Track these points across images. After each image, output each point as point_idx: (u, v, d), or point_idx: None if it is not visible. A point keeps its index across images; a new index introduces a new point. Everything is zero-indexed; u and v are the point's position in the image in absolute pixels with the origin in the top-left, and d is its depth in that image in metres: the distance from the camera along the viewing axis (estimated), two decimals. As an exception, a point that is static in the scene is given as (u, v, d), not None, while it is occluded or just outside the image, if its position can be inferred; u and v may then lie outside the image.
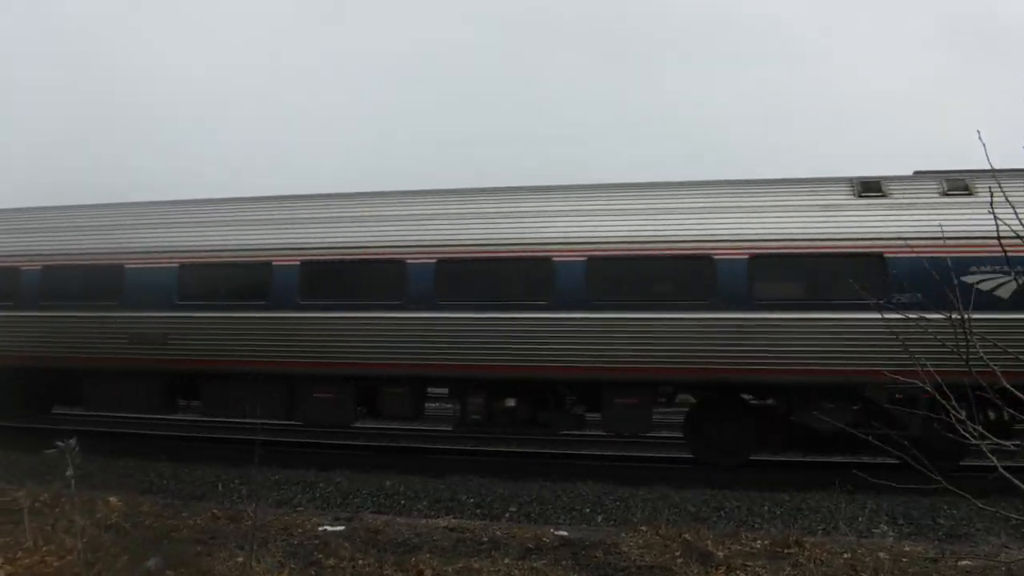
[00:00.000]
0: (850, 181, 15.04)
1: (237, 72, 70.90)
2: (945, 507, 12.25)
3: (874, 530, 10.28)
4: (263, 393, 16.16)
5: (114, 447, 16.30)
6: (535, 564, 8.67)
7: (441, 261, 15.70)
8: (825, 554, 8.94)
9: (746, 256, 14.56)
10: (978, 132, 5.66)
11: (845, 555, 8.88)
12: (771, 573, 8.14)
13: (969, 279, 13.00)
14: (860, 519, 11.19)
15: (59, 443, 7.63)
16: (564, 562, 8.97)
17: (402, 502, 13.47)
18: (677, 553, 9.15)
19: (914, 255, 12.23)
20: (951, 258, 11.37)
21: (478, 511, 13.00)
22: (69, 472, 7.42)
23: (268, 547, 8.58)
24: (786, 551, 9.18)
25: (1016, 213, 5.70)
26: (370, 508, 13.05)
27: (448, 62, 67.99)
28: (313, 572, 8.23)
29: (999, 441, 5.76)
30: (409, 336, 15.64)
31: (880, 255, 14.07)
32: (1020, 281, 12.24)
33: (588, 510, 12.89)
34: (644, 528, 10.31)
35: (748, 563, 8.58)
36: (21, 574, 7.68)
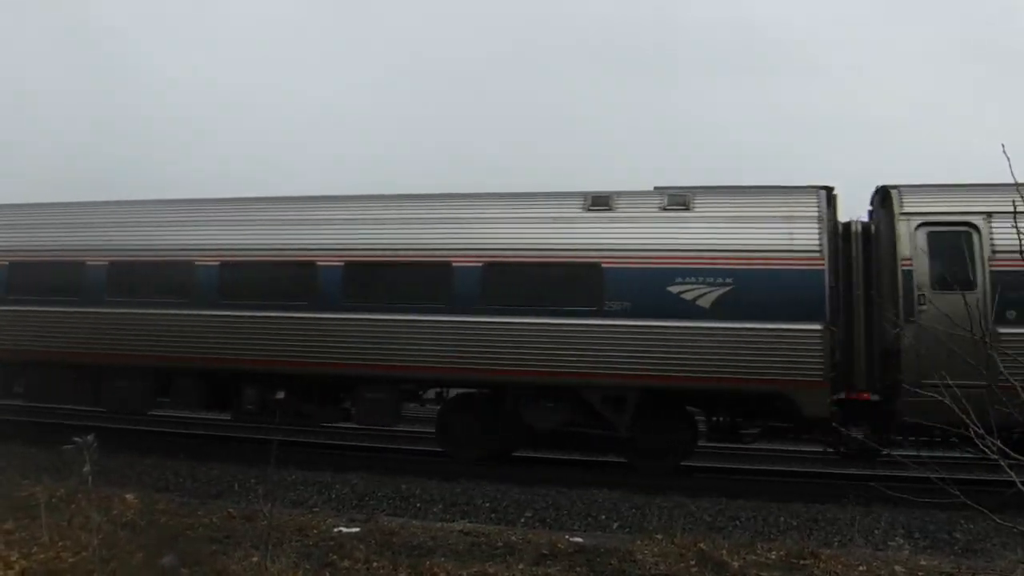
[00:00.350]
0: (583, 195, 16.00)
1: (252, 73, 70.91)
2: (962, 522, 12.15)
3: (890, 543, 10.24)
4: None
5: (132, 444, 16.35)
6: (550, 570, 8.67)
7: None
8: (840, 566, 8.90)
9: (480, 264, 15.67)
10: (1003, 145, 5.64)
11: (861, 567, 8.85)
12: (786, 584, 8.05)
13: (675, 289, 14.46)
14: (876, 532, 11.14)
15: (77, 439, 7.64)
16: (579, 569, 8.97)
17: (417, 505, 13.47)
18: (692, 562, 9.13)
19: (627, 266, 14.57)
20: (659, 269, 14.53)
21: (493, 516, 13.00)
22: (86, 468, 7.44)
23: (283, 547, 8.57)
24: (801, 562, 9.16)
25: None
26: (385, 510, 13.03)
27: (455, 71, 67.88)
28: (328, 573, 8.23)
29: (1018, 457, 5.73)
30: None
31: (598, 265, 15.02)
32: (720, 292, 14.32)
33: (604, 517, 12.85)
34: (659, 536, 10.29)
35: (763, 574, 8.59)
36: (36, 569, 7.70)
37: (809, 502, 13.38)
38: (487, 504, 13.47)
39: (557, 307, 15.05)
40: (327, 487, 14.32)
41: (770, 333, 14.22)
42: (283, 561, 7.73)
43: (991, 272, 13.89)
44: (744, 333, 14.27)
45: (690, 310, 14.44)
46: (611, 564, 9.17)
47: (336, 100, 65.38)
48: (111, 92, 63.58)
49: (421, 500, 13.66)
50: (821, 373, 14.13)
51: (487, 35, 70.01)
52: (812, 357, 14.12)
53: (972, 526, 12.00)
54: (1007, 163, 5.49)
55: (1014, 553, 10.32)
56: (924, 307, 13.89)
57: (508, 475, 15.25)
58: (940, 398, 5.99)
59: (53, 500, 10.30)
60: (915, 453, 13.30)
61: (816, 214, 14.70)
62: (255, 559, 8.06)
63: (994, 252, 13.90)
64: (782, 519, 12.58)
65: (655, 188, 15.92)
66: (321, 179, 50.38)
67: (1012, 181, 5.72)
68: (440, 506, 13.37)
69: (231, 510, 11.63)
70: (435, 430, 17.31)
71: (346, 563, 8.81)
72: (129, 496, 11.76)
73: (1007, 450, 5.54)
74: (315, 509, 12.64)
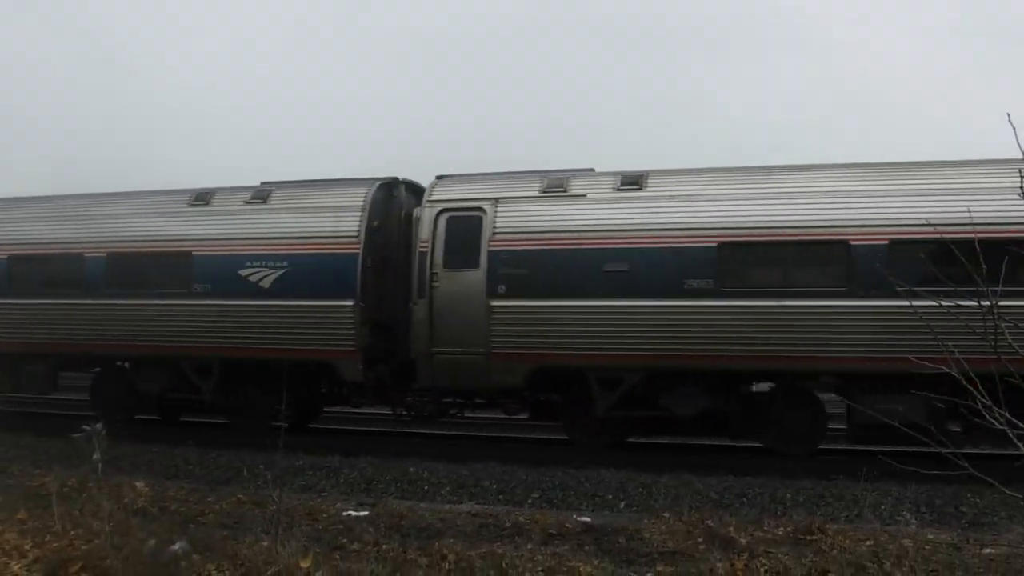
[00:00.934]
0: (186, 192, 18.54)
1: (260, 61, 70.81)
2: (968, 495, 12.14)
3: (897, 518, 10.27)
4: None
5: (139, 433, 16.43)
6: (558, 549, 8.70)
7: None
8: (848, 541, 8.91)
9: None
10: (1008, 115, 5.57)
11: (868, 542, 8.84)
12: (794, 559, 8.09)
13: (243, 272, 16.87)
14: (883, 507, 11.16)
15: (86, 427, 7.69)
16: (587, 547, 9.01)
17: (425, 488, 13.51)
18: (700, 539, 9.14)
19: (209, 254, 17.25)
20: (231, 255, 17.07)
21: (500, 497, 13.04)
22: (96, 456, 7.49)
23: (293, 532, 8.60)
24: (809, 538, 9.16)
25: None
26: (394, 494, 13.07)
27: (461, 51, 67.74)
28: (338, 556, 8.26)
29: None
30: None
31: (189, 253, 17.43)
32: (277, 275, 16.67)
33: (611, 496, 12.88)
34: (667, 514, 10.34)
35: (771, 549, 8.56)
36: (50, 558, 7.74)
37: (816, 478, 13.37)
38: (495, 486, 13.51)
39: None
40: (335, 471, 14.38)
41: (314, 309, 16.46)
42: (293, 545, 7.76)
43: (489, 251, 15.63)
44: (295, 310, 16.57)
45: (256, 290, 16.86)
46: (619, 542, 9.23)
47: (335, 81, 65.29)
48: (113, 85, 63.60)
49: (429, 483, 13.70)
50: (354, 343, 16.13)
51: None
52: (345, 330, 16.26)
53: (979, 500, 12.01)
54: (1012, 133, 5.41)
55: (1021, 526, 10.31)
56: (437, 284, 15.86)
57: (516, 457, 15.34)
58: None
59: (64, 489, 10.35)
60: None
61: (361, 203, 16.71)
62: (265, 543, 8.09)
63: (494, 233, 15.51)
64: (789, 495, 12.57)
65: (261, 183, 18.24)
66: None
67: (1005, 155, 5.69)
68: (448, 488, 13.41)
69: (241, 496, 11.70)
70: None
71: (356, 546, 8.87)
72: (139, 484, 11.82)
73: (1016, 421, 5.53)
74: (324, 493, 12.75)
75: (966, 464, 5.72)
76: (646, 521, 10.13)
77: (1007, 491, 5.94)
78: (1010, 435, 5.44)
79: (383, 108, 62.96)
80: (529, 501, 12.78)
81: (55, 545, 8.19)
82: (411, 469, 14.34)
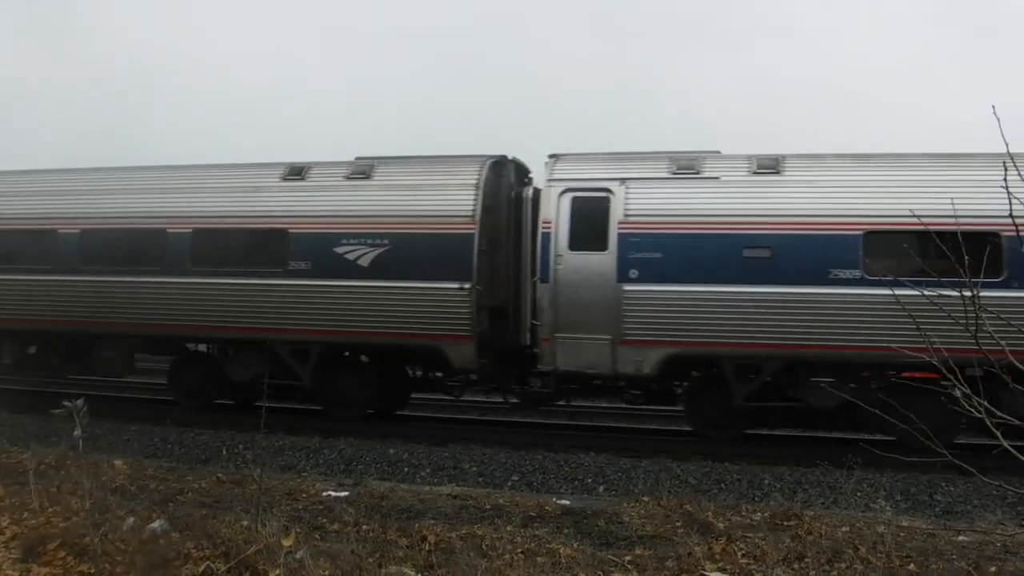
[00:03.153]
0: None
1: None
2: (943, 484, 12.30)
3: (872, 505, 10.31)
4: None
5: (119, 411, 16.38)
6: (537, 532, 8.73)
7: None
8: (824, 527, 8.99)
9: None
10: (992, 107, 5.57)
11: (844, 528, 8.94)
12: (771, 544, 8.14)
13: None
14: (858, 494, 11.21)
15: (66, 403, 7.64)
16: (566, 530, 9.06)
17: (405, 469, 13.55)
18: (678, 523, 9.22)
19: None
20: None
21: (480, 479, 13.09)
22: (77, 432, 7.44)
23: (273, 511, 8.60)
24: (786, 523, 9.25)
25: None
26: (374, 475, 13.10)
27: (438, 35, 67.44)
28: (318, 536, 8.28)
29: (1005, 416, 5.73)
30: None
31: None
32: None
33: (590, 480, 12.96)
34: (646, 499, 10.40)
35: (748, 534, 8.63)
36: (28, 535, 7.72)
37: (794, 465, 13.48)
38: (474, 468, 13.55)
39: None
40: (315, 452, 14.40)
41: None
42: (273, 525, 7.76)
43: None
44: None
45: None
46: (598, 526, 9.29)
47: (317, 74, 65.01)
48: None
49: (409, 464, 13.74)
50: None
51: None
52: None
53: (953, 488, 12.16)
54: (997, 124, 5.40)
55: (993, 514, 10.49)
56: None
57: (496, 439, 15.39)
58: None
59: (42, 467, 10.33)
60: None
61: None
62: (245, 523, 8.09)
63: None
64: (767, 481, 12.67)
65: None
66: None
67: (1003, 145, 5.64)
68: (428, 470, 13.45)
69: (220, 475, 11.72)
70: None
71: (336, 526, 8.89)
72: (118, 462, 11.80)
73: (994, 409, 5.55)
74: (304, 473, 12.76)
75: (946, 452, 5.74)
76: (625, 505, 10.19)
77: (985, 479, 5.97)
78: (987, 424, 5.46)
79: (348, 92, 62.50)
80: (509, 484, 12.82)
81: (33, 523, 8.17)
82: (391, 451, 14.38)
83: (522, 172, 17.15)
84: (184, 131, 45.21)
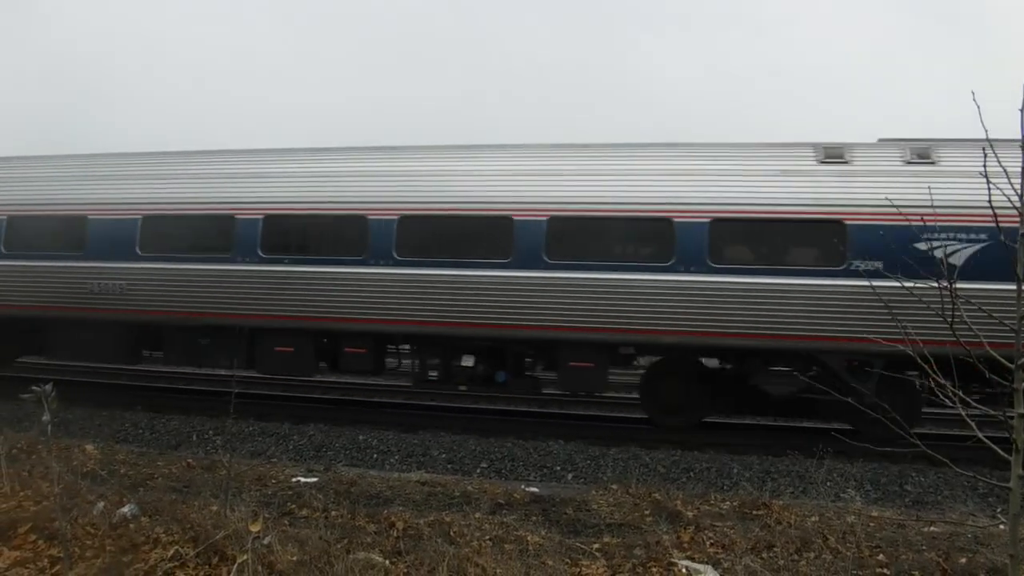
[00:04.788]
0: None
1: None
2: (913, 475, 12.41)
3: (842, 495, 10.37)
4: None
5: (89, 397, 16.36)
6: (506, 519, 8.74)
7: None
8: (793, 516, 9.05)
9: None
10: (972, 93, 5.52)
11: (813, 518, 8.98)
12: (740, 533, 8.21)
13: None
14: (828, 484, 11.27)
15: (35, 388, 7.65)
16: (535, 518, 9.09)
17: (375, 456, 13.58)
18: (647, 512, 9.26)
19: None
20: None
21: (449, 466, 13.10)
22: (46, 417, 7.43)
23: (242, 496, 8.63)
24: (755, 512, 9.31)
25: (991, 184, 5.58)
26: (343, 461, 13.13)
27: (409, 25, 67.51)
28: (287, 522, 8.30)
29: (980, 407, 5.74)
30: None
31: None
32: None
33: (559, 468, 13.00)
34: (615, 487, 10.44)
35: (717, 523, 8.69)
36: (-1, 518, 7.76)
37: (763, 454, 13.59)
38: (443, 455, 13.58)
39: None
40: (285, 438, 14.40)
41: None
42: (243, 509, 7.79)
43: None
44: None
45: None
46: (567, 513, 9.32)
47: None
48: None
49: (378, 451, 13.77)
50: None
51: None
52: None
53: (923, 479, 12.27)
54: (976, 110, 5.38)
55: (964, 505, 10.56)
56: None
57: (465, 426, 15.44)
58: None
59: (13, 451, 10.29)
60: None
61: None
62: (215, 507, 8.11)
63: None
64: (736, 470, 12.74)
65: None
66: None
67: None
68: (397, 457, 13.49)
69: (190, 460, 11.72)
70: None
71: (305, 512, 8.91)
72: (89, 447, 11.81)
73: (969, 400, 5.60)
74: (273, 460, 12.76)
75: (918, 442, 5.80)
76: (594, 493, 10.24)
77: (958, 469, 6.05)
78: (962, 414, 5.51)
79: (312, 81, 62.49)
80: (478, 471, 12.85)
81: (4, 506, 8.17)
82: (360, 437, 14.41)
83: None
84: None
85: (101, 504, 8.17)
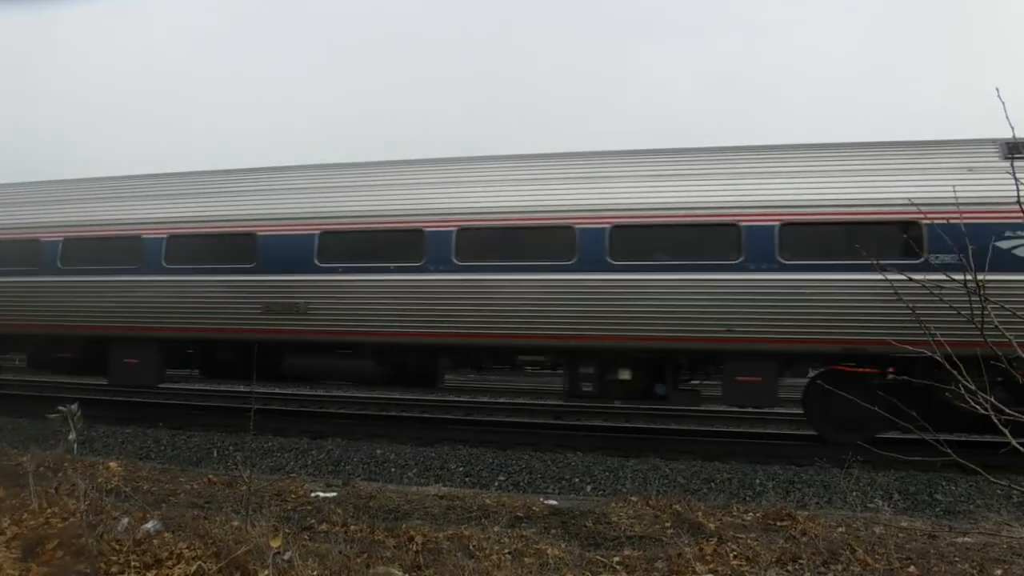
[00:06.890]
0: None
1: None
2: (943, 483, 12.21)
3: (869, 505, 10.22)
4: None
5: (113, 415, 16.51)
6: (525, 532, 8.72)
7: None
8: (819, 528, 8.91)
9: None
10: (997, 89, 5.42)
11: (840, 529, 8.88)
12: (764, 545, 8.13)
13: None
14: (855, 493, 11.00)
15: (61, 408, 7.77)
16: (554, 531, 9.06)
17: (392, 470, 13.59)
18: (667, 524, 9.20)
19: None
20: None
21: (467, 479, 13.11)
22: (72, 436, 7.56)
23: (263, 512, 8.64)
24: (779, 524, 9.19)
25: None
26: (361, 475, 13.14)
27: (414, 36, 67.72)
28: (307, 537, 8.33)
29: (1014, 414, 5.65)
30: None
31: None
32: None
33: (577, 480, 12.96)
34: (634, 499, 10.38)
35: (740, 535, 8.59)
36: (28, 535, 7.83)
37: (786, 463, 13.51)
38: (461, 468, 13.59)
39: None
40: (304, 453, 14.45)
41: None
42: (263, 525, 7.85)
43: None
44: None
45: None
46: (586, 526, 9.28)
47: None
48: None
49: (396, 465, 13.79)
50: None
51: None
52: None
53: (954, 487, 12.07)
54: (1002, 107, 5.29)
55: (997, 514, 10.25)
56: None
57: (483, 439, 15.46)
58: None
59: (41, 469, 10.36)
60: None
61: None
62: (236, 523, 8.16)
63: None
64: (758, 481, 12.65)
65: None
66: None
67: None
68: (415, 471, 13.50)
69: (212, 476, 11.77)
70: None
71: (324, 526, 8.91)
72: (113, 464, 11.89)
73: (1001, 406, 5.55)
74: (292, 475, 12.79)
75: (949, 451, 5.76)
76: (613, 505, 10.16)
77: (991, 478, 5.97)
78: (994, 420, 5.44)
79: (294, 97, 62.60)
80: (496, 484, 12.83)
81: (32, 523, 8.24)
82: (378, 451, 14.45)
83: None
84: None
85: (126, 520, 8.25)
